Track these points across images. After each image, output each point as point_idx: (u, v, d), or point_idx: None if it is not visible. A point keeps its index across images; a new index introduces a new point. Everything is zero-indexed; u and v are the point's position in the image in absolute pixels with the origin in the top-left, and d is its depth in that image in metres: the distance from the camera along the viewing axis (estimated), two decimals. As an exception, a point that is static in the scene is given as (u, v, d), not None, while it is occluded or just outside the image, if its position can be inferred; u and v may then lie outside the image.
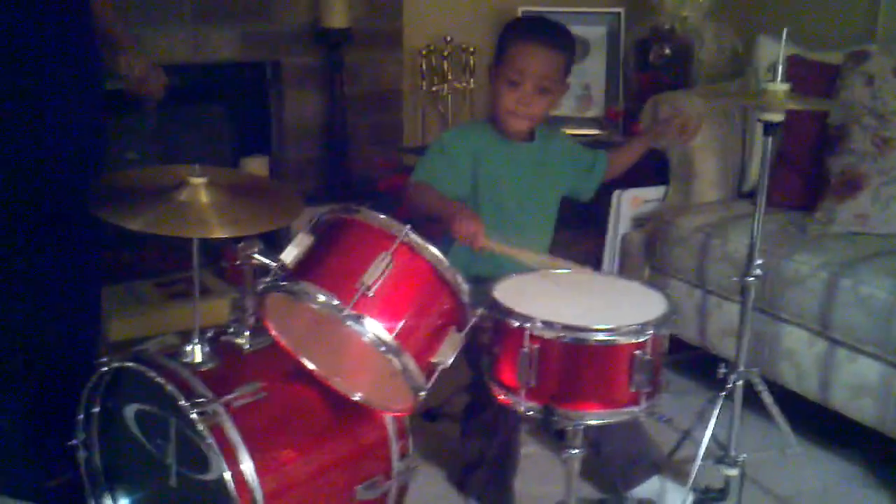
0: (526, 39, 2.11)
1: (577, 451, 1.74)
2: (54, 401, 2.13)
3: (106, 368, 1.78)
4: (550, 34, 2.14)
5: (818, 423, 2.47)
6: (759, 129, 1.99)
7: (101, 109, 2.13)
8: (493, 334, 1.73)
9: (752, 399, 2.16)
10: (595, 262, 2.99)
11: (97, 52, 2.10)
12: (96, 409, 1.86)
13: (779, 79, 1.94)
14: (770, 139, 1.98)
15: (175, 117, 3.46)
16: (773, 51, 2.49)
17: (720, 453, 2.11)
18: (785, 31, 1.96)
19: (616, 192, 2.92)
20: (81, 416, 1.86)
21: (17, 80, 1.96)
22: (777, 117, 1.97)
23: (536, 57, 2.09)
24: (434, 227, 2.06)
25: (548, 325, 1.63)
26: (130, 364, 1.74)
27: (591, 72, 3.58)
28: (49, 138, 2.01)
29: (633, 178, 2.98)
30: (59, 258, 2.08)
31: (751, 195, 2.82)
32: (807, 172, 2.70)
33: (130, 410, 1.82)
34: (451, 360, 1.70)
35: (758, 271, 2.05)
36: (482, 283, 1.78)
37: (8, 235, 2.03)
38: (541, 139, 2.23)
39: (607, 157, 2.36)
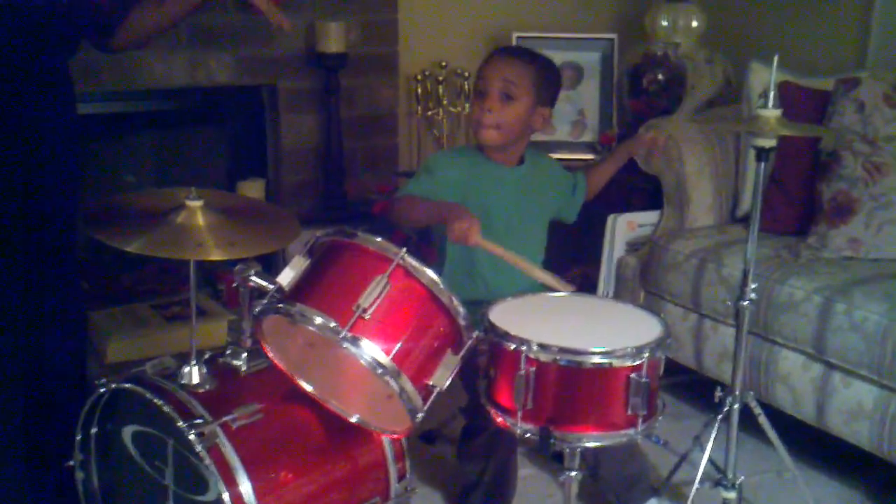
0: (489, 57, 2.20)
1: (574, 473, 1.75)
2: (47, 423, 2.13)
3: (104, 390, 1.78)
4: (513, 49, 2.25)
5: (815, 446, 2.48)
6: (752, 154, 2.01)
7: (77, 133, 2.14)
8: (489, 357, 1.74)
9: (748, 422, 2.16)
10: (590, 286, 3.00)
11: (69, 77, 2.11)
12: (94, 431, 1.86)
13: (770, 105, 1.96)
14: (763, 165, 2.00)
15: (171, 140, 3.48)
16: (765, 77, 2.52)
17: (717, 476, 2.11)
18: (776, 57, 1.98)
19: (611, 217, 2.94)
20: (79, 437, 1.86)
21: None
22: (769, 143, 1.98)
23: (497, 64, 2.16)
24: (426, 247, 2.08)
25: (544, 347, 1.64)
26: (128, 385, 1.74)
27: (585, 97, 3.61)
28: (25, 163, 2.02)
29: (628, 202, 3.01)
30: (41, 283, 2.09)
31: (744, 220, 2.84)
32: (799, 198, 2.72)
33: (128, 432, 1.82)
34: (447, 383, 1.71)
35: (752, 295, 2.06)
36: (478, 305, 1.79)
37: None
38: (530, 162, 2.26)
39: (586, 177, 2.42)
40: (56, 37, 2.03)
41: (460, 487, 2.23)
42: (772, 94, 1.96)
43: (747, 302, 2.05)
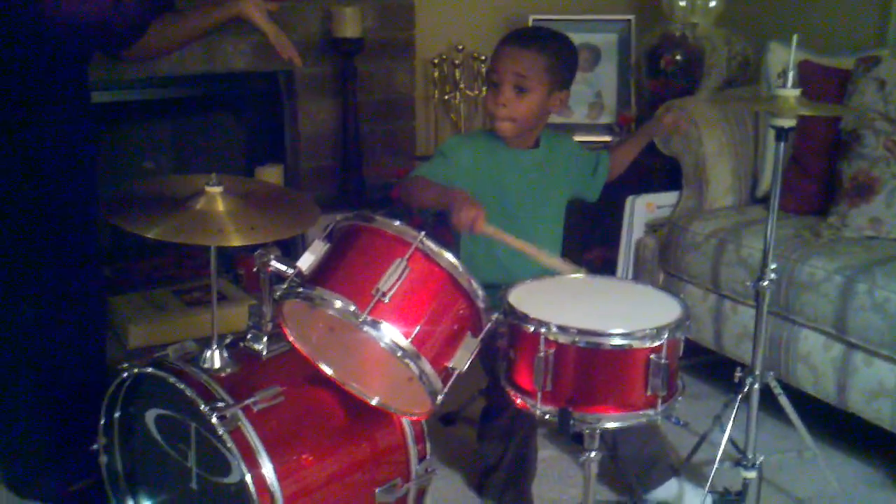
0: (502, 43, 2.15)
1: (594, 454, 1.75)
2: (69, 406, 2.15)
3: (127, 374, 1.80)
4: (527, 36, 2.19)
5: (836, 425, 2.47)
6: (771, 134, 2.00)
7: (92, 119, 2.17)
8: (508, 339, 1.74)
9: (768, 402, 2.16)
10: (609, 268, 3.00)
11: (84, 64, 2.14)
12: (117, 415, 1.88)
13: (790, 84, 1.95)
14: (782, 145, 1.99)
15: (189, 127, 3.49)
16: (784, 56, 2.50)
17: (738, 456, 2.11)
18: (795, 36, 1.97)
19: (630, 198, 2.93)
20: (103, 422, 1.88)
21: (8, 94, 2.00)
22: (789, 123, 1.97)
23: (509, 56, 2.12)
24: (444, 230, 2.08)
25: (563, 329, 1.64)
26: (151, 370, 1.76)
27: (603, 79, 3.60)
28: (41, 149, 2.04)
29: (647, 183, 3.00)
30: (61, 267, 2.11)
31: (764, 200, 2.83)
32: (820, 177, 2.71)
33: (151, 415, 1.84)
34: (467, 365, 1.71)
35: (772, 276, 2.05)
36: (497, 288, 1.79)
37: (10, 246, 2.06)
38: (545, 145, 2.25)
39: (610, 156, 2.39)
40: (68, 49, 2.05)
41: (480, 469, 2.24)
42: (791, 74, 1.95)
43: (767, 282, 2.05)
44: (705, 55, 3.30)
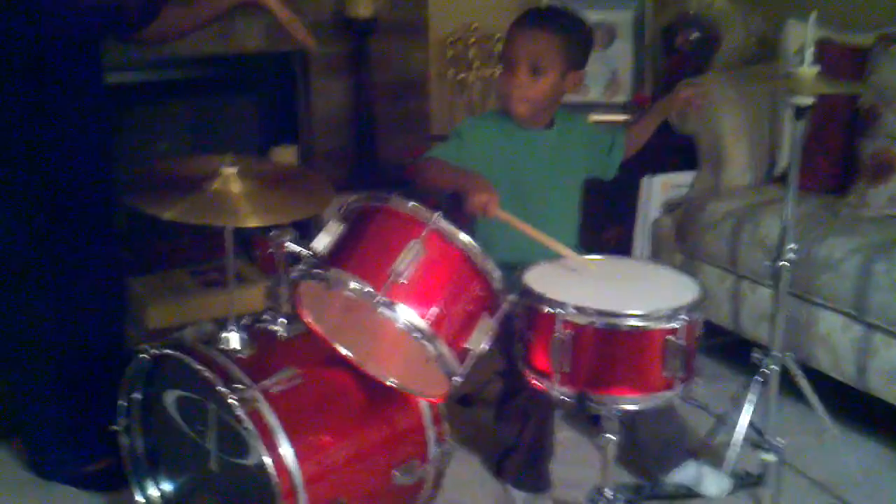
0: (517, 24, 2.14)
1: (611, 436, 1.75)
2: (89, 387, 2.17)
3: (146, 356, 1.80)
4: (541, 16, 2.17)
5: (856, 407, 2.46)
6: (789, 113, 1.98)
7: (105, 101, 2.17)
8: (525, 320, 1.74)
9: (787, 384, 2.15)
10: (626, 248, 2.99)
11: (97, 47, 2.14)
12: (137, 396, 1.89)
13: (808, 62, 1.93)
14: (800, 123, 1.97)
15: (204, 108, 3.48)
16: (802, 34, 2.45)
17: (756, 438, 2.10)
18: (813, 14, 1.94)
19: (646, 178, 2.91)
20: (123, 403, 1.89)
21: (23, 77, 2.00)
22: (807, 101, 1.96)
23: (524, 38, 2.10)
24: (458, 212, 2.07)
25: (580, 310, 1.63)
26: (170, 351, 1.77)
27: (618, 57, 3.56)
28: (55, 132, 2.05)
29: (663, 163, 2.98)
30: (79, 249, 2.13)
31: (782, 179, 2.80)
32: (838, 156, 2.68)
33: (171, 397, 1.85)
34: (483, 346, 1.71)
35: (790, 255, 2.04)
36: (513, 269, 1.79)
37: (27, 230, 2.07)
38: (560, 125, 2.23)
39: (625, 134, 2.37)
40: (82, 31, 2.05)
41: (498, 450, 2.24)
42: (809, 52, 1.93)
43: (785, 262, 2.03)
44: (722, 33, 3.27)
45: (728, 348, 2.74)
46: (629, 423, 2.11)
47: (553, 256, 1.89)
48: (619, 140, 2.35)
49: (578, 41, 2.16)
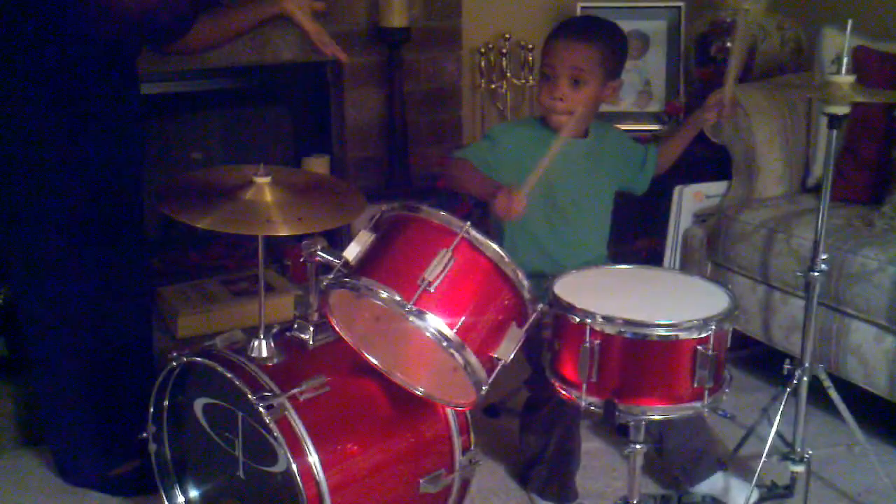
0: (556, 35, 2.14)
1: (639, 446, 1.74)
2: (117, 395, 2.19)
3: (175, 363, 1.82)
4: (580, 27, 2.18)
5: (887, 419, 2.43)
6: (824, 122, 1.96)
7: (140, 111, 2.21)
8: (553, 329, 1.73)
9: (817, 395, 2.13)
10: (657, 258, 2.97)
11: (133, 58, 2.18)
12: (166, 403, 1.91)
13: (844, 71, 1.92)
14: (835, 132, 1.95)
15: (237, 118, 3.52)
16: (838, 42, 2.45)
17: (786, 450, 2.08)
18: (850, 22, 1.93)
19: (678, 188, 2.89)
20: (152, 410, 1.91)
21: (59, 87, 2.04)
22: (842, 110, 1.94)
23: (565, 50, 2.10)
24: (487, 222, 2.08)
25: (609, 320, 1.63)
26: (199, 359, 1.78)
27: (652, 66, 3.55)
28: (89, 141, 2.08)
29: (695, 172, 2.96)
30: (109, 257, 2.16)
31: (815, 189, 2.78)
32: (873, 166, 2.65)
33: (199, 404, 1.86)
34: (512, 356, 1.71)
35: (823, 266, 2.02)
36: (542, 278, 1.79)
37: (58, 238, 2.10)
38: (594, 135, 2.23)
39: (658, 150, 2.36)
40: (118, 42, 2.09)
41: (524, 460, 2.24)
42: (845, 60, 1.91)
43: (818, 273, 2.02)
44: (756, 42, 3.24)
45: (758, 359, 2.72)
46: (657, 433, 2.10)
47: (581, 266, 1.89)
48: (652, 155, 2.34)
49: (616, 51, 2.17)
